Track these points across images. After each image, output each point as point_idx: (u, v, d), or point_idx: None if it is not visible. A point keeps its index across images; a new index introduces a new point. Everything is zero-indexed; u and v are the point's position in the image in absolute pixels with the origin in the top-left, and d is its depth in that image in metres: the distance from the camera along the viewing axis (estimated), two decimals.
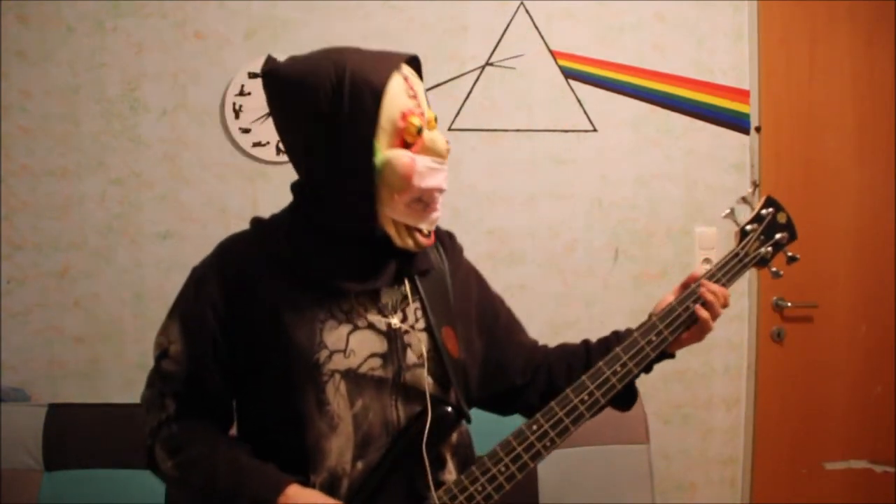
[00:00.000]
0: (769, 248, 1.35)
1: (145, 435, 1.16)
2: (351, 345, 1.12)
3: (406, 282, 1.18)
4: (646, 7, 2.38)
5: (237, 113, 2.24)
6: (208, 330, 1.13)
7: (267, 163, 2.26)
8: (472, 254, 2.31)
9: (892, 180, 2.49)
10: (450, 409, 1.15)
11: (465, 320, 1.26)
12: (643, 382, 2.38)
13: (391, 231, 1.13)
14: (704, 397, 2.46)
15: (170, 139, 2.24)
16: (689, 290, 1.26)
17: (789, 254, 1.38)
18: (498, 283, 2.30)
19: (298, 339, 1.10)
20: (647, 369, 1.27)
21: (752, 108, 2.43)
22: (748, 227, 1.34)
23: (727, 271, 1.32)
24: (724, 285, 1.29)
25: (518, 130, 2.35)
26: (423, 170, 1.10)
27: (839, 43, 2.46)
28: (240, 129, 2.25)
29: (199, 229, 2.23)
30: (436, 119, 1.15)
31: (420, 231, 1.15)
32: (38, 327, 2.22)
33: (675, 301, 1.25)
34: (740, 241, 1.34)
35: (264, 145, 2.25)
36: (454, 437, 1.20)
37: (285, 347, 1.10)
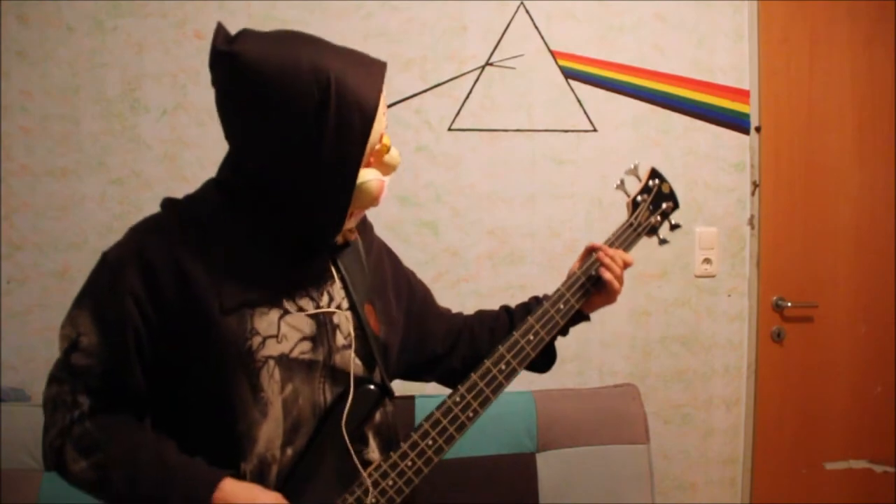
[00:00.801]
0: (658, 217, 1.45)
1: (51, 436, 1.08)
2: (283, 330, 1.10)
3: (329, 262, 1.19)
4: (646, 7, 2.38)
5: None
6: (128, 321, 1.06)
7: None
8: (472, 254, 2.32)
9: (892, 180, 2.49)
10: (372, 386, 1.17)
11: (382, 295, 1.29)
12: (643, 383, 2.39)
13: (345, 234, 1.19)
14: (704, 397, 2.46)
15: (170, 139, 2.24)
16: (591, 259, 1.37)
17: (673, 222, 1.46)
18: (498, 283, 2.33)
19: (228, 326, 1.06)
20: (564, 332, 1.37)
21: (752, 108, 2.43)
22: (639, 198, 1.44)
23: (623, 239, 1.42)
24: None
25: (518, 130, 2.35)
26: (385, 189, 1.16)
27: (839, 43, 2.46)
28: None
29: None
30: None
31: (351, 229, 1.21)
32: (38, 327, 2.22)
33: (579, 270, 1.36)
34: (632, 211, 1.44)
35: None
36: (377, 416, 1.20)
37: (215, 336, 1.06)
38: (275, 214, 1.11)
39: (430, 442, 1.19)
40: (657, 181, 1.45)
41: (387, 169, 1.16)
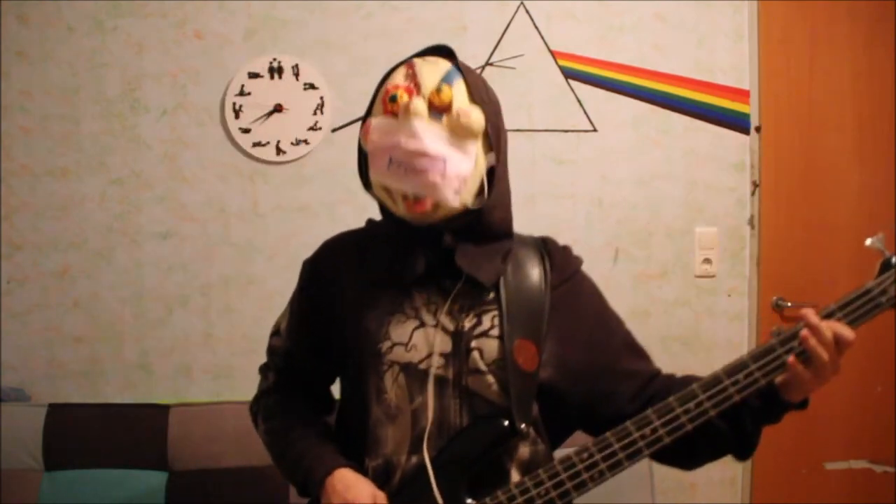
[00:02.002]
0: None
1: (253, 400, 1.34)
2: (414, 340, 1.16)
3: (492, 289, 1.19)
4: (646, 7, 2.38)
5: (237, 113, 2.24)
6: (304, 313, 1.27)
7: (267, 163, 2.26)
8: None
9: (892, 180, 2.49)
10: (506, 422, 1.12)
11: (566, 339, 1.21)
12: None
13: (383, 197, 1.18)
14: None
15: (170, 139, 2.24)
16: (794, 328, 1.07)
17: None
18: None
19: (367, 328, 1.17)
20: (772, 418, 1.13)
21: (752, 108, 2.43)
22: (895, 260, 1.12)
23: (851, 311, 1.09)
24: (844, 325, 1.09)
25: (518, 130, 2.35)
26: (377, 128, 1.15)
27: (839, 43, 2.46)
28: (240, 129, 2.25)
29: (199, 229, 2.23)
30: (439, 90, 1.13)
31: (406, 197, 1.14)
32: (38, 327, 2.22)
33: (775, 339, 1.08)
34: (878, 274, 1.12)
35: (264, 145, 2.25)
36: (525, 452, 1.18)
37: (357, 334, 1.18)
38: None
39: (542, 492, 1.11)
40: None
41: (403, 114, 1.13)
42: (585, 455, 1.11)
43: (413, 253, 1.18)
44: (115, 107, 2.22)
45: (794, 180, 2.46)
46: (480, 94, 1.18)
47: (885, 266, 1.11)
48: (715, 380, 1.09)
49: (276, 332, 1.33)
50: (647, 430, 1.09)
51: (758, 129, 2.44)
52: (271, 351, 1.34)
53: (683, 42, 2.39)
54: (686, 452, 1.18)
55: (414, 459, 1.13)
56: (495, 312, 1.18)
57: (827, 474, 2.49)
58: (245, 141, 2.25)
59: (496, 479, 1.15)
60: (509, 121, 2.35)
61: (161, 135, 2.24)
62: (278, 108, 2.24)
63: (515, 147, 2.34)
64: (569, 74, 2.36)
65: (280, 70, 2.25)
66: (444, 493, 1.11)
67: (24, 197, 2.20)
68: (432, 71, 1.16)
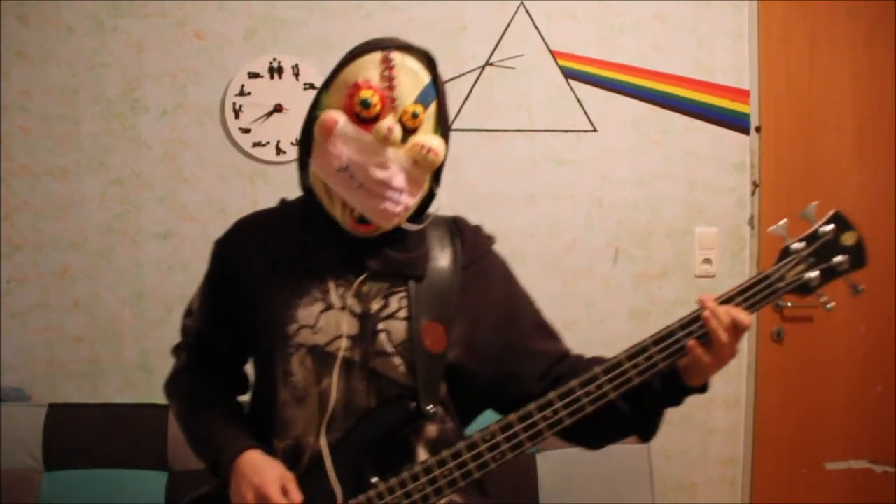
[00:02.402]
0: (815, 274, 1.13)
1: (166, 379, 1.32)
2: (320, 322, 1.14)
3: (391, 272, 1.18)
4: (646, 7, 2.38)
5: (237, 113, 2.24)
6: (215, 293, 1.26)
7: (267, 163, 2.26)
8: None
9: (892, 180, 2.49)
10: (412, 404, 1.13)
11: (475, 320, 1.21)
12: None
13: (319, 191, 1.15)
14: (704, 397, 2.42)
15: (170, 139, 2.24)
16: (693, 313, 1.10)
17: (854, 285, 1.16)
18: None
19: (275, 310, 1.16)
20: (673, 400, 1.18)
21: (752, 108, 2.43)
22: (794, 246, 1.14)
23: (750, 296, 1.11)
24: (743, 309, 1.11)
25: (518, 130, 2.35)
26: (343, 135, 1.09)
27: (839, 43, 2.46)
28: (240, 129, 2.25)
29: (198, 229, 2.23)
30: (414, 115, 1.10)
31: (352, 211, 1.13)
32: (38, 327, 2.22)
33: (677, 323, 1.11)
34: (777, 261, 1.13)
35: (264, 145, 2.25)
36: (433, 431, 1.18)
37: (264, 317, 1.17)
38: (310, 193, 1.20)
39: (446, 472, 1.11)
40: (834, 227, 1.14)
41: (376, 136, 1.08)
42: (489, 436, 1.12)
43: (327, 239, 1.17)
44: (115, 107, 2.22)
45: (794, 180, 2.46)
46: (446, 119, 1.16)
47: (785, 253, 1.13)
48: (616, 363, 1.11)
49: (188, 313, 1.30)
50: (548, 412, 1.11)
51: (758, 129, 2.44)
52: (184, 331, 1.31)
53: (683, 42, 2.39)
54: (589, 432, 1.20)
55: (322, 441, 1.13)
56: (403, 294, 1.17)
57: (827, 474, 2.49)
58: (245, 141, 2.25)
59: (404, 458, 1.15)
60: (509, 121, 2.37)
61: (161, 135, 2.24)
62: (278, 108, 2.24)
63: (515, 147, 2.36)
64: (569, 74, 2.36)
65: (280, 70, 2.25)
66: (349, 474, 1.12)
67: (24, 197, 2.20)
68: (411, 82, 1.10)
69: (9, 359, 2.20)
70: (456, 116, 2.32)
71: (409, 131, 1.10)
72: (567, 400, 1.10)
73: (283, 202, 1.29)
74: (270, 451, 1.16)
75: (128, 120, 2.22)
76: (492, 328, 1.23)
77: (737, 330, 1.10)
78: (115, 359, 2.24)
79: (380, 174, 1.09)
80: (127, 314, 2.24)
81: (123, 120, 2.22)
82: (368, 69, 1.10)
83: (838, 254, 1.14)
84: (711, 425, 2.46)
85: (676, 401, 1.20)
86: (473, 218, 2.31)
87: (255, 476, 1.10)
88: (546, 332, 1.29)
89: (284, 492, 1.09)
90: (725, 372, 2.56)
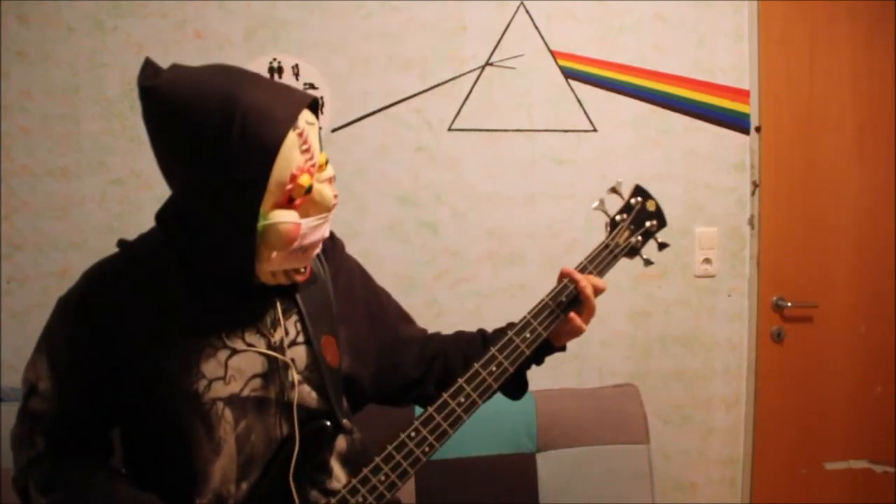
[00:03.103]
0: (638, 238, 1.38)
1: (14, 474, 1.13)
2: (230, 370, 1.10)
3: (278, 297, 1.16)
4: (646, 7, 2.38)
5: None
6: (77, 364, 1.09)
7: None
8: (472, 254, 2.32)
9: (892, 180, 2.49)
10: (328, 423, 1.15)
11: (351, 323, 1.26)
12: (643, 383, 2.38)
13: (267, 279, 1.10)
14: (704, 397, 2.46)
15: None
16: (561, 286, 1.28)
17: (660, 241, 1.40)
18: (498, 283, 2.33)
19: (173, 370, 1.07)
20: (538, 360, 1.31)
21: (752, 108, 2.43)
22: (618, 218, 1.38)
23: (598, 262, 1.34)
24: (596, 276, 1.31)
25: (518, 130, 2.35)
26: (307, 231, 1.06)
27: (839, 43, 2.46)
28: None
29: None
30: (327, 162, 1.09)
31: (297, 271, 1.13)
32: (38, 327, 2.19)
33: (548, 297, 1.27)
34: (610, 231, 1.37)
35: None
36: (342, 444, 1.20)
37: (162, 379, 1.07)
38: (197, 250, 1.08)
39: (383, 477, 1.13)
40: (640, 199, 1.40)
41: (318, 209, 1.07)
42: (413, 434, 1.16)
43: (208, 281, 1.10)
44: (115, 107, 2.22)
45: (794, 180, 2.46)
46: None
47: (613, 224, 1.38)
48: (508, 341, 1.23)
49: (32, 392, 1.12)
50: (461, 398, 1.19)
51: (758, 129, 2.44)
52: (33, 415, 1.11)
53: (683, 42, 2.39)
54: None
55: (244, 486, 1.11)
56: (295, 318, 1.16)
57: (827, 474, 2.49)
58: None
59: (321, 474, 1.17)
60: (509, 121, 2.37)
61: None
62: None
63: (515, 147, 2.36)
64: (569, 74, 2.36)
65: (280, 70, 2.25)
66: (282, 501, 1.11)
67: (24, 197, 2.20)
68: (316, 139, 1.07)
69: (9, 359, 2.20)
70: (456, 116, 2.32)
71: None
72: (474, 383, 1.20)
73: (125, 244, 1.17)
74: None
75: (128, 120, 2.22)
76: (366, 327, 1.29)
77: (597, 293, 1.29)
78: None
79: (322, 234, 1.11)
80: None
81: (123, 120, 2.22)
82: (293, 156, 1.02)
83: (648, 219, 1.40)
84: (711, 425, 2.46)
85: (539, 361, 1.32)
86: (473, 218, 2.33)
87: None
88: (408, 318, 1.39)
89: None
90: (725, 372, 2.58)
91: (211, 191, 1.01)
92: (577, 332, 1.29)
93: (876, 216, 2.49)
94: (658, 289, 2.42)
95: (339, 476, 1.19)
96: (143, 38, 2.22)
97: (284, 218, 1.03)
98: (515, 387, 1.34)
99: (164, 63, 2.31)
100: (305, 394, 1.15)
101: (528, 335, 1.24)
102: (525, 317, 1.26)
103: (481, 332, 1.39)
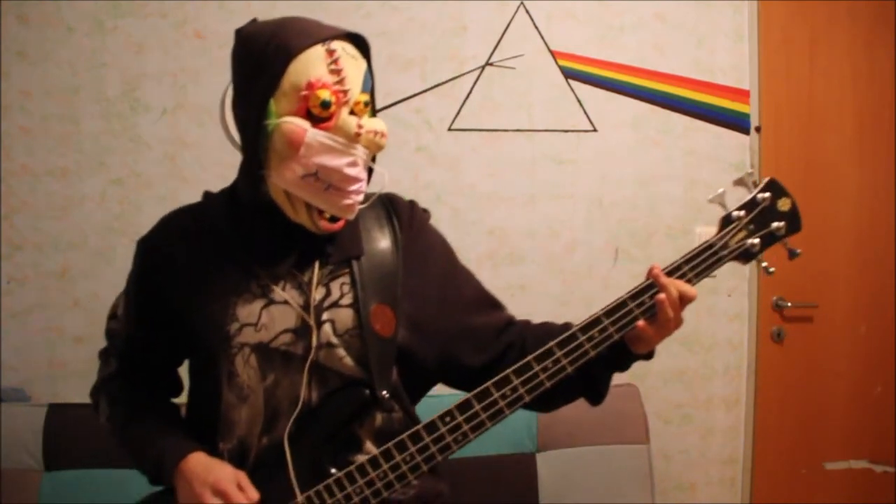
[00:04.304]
0: (756, 240, 1.15)
1: (93, 387, 1.27)
2: (263, 319, 1.11)
3: (331, 259, 1.14)
4: (646, 7, 2.38)
5: None
6: (137, 297, 1.21)
7: None
8: (472, 254, 2.32)
9: (892, 180, 2.49)
10: (365, 392, 1.11)
11: (418, 298, 1.19)
12: (643, 383, 2.38)
13: (281, 201, 1.10)
14: (704, 397, 2.46)
15: (170, 139, 2.24)
16: (647, 283, 1.12)
17: (789, 247, 1.17)
18: (498, 283, 2.31)
19: (212, 311, 1.12)
20: (621, 366, 1.17)
21: (752, 108, 2.43)
22: (735, 214, 1.16)
23: (696, 265, 1.13)
24: (689, 280, 1.13)
25: (518, 130, 2.35)
26: (316, 144, 1.05)
27: (839, 43, 2.46)
28: None
29: None
30: (367, 104, 1.09)
31: (322, 214, 1.10)
32: (38, 327, 2.22)
33: (628, 295, 1.12)
34: (720, 229, 1.15)
35: None
36: (378, 420, 1.15)
37: (202, 319, 1.12)
38: (238, 185, 1.14)
39: (408, 458, 1.09)
40: (770, 195, 1.17)
41: (341, 134, 1.06)
42: (448, 419, 1.10)
43: (259, 231, 1.13)
44: (115, 107, 2.22)
45: (794, 180, 2.41)
46: (374, 99, 1.16)
47: (726, 221, 1.15)
48: (571, 336, 1.11)
49: (113, 315, 1.26)
50: (507, 391, 1.10)
51: (758, 129, 2.44)
52: (110, 335, 1.27)
53: (683, 42, 2.39)
54: (543, 400, 1.18)
55: (265, 440, 1.12)
56: (345, 280, 1.14)
57: (827, 474, 2.49)
58: None
59: (351, 449, 1.13)
60: (509, 121, 2.37)
61: (161, 135, 2.24)
62: None
63: (515, 147, 2.36)
64: (569, 74, 2.36)
65: None
66: (303, 467, 1.10)
67: (24, 197, 2.20)
68: (356, 73, 1.08)
69: (9, 359, 2.20)
70: (456, 116, 2.32)
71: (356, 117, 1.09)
72: (525, 376, 1.10)
73: (207, 195, 1.23)
74: (215, 453, 1.13)
75: (128, 120, 2.22)
76: (435, 306, 1.21)
77: (682, 303, 1.11)
78: None
79: (352, 172, 1.07)
80: None
81: (123, 120, 2.22)
82: (315, 66, 1.05)
83: (776, 219, 1.16)
84: (711, 425, 2.46)
85: (623, 367, 1.19)
86: (473, 218, 2.33)
87: (209, 475, 1.08)
88: (488, 302, 1.28)
89: (240, 489, 1.07)
90: (725, 372, 2.58)
91: (240, 97, 1.11)
92: (648, 340, 1.13)
93: (876, 216, 2.49)
94: None
95: (369, 451, 1.14)
96: (143, 38, 2.22)
97: (293, 121, 1.05)
98: (589, 389, 1.20)
99: (163, 63, 2.31)
100: (337, 358, 1.12)
101: (595, 334, 1.11)
102: (598, 313, 1.12)
103: (567, 325, 1.22)
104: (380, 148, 1.12)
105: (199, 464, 1.10)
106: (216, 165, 2.26)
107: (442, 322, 1.20)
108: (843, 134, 2.47)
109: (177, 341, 1.19)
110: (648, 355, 1.18)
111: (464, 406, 1.10)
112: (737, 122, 2.43)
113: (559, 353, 1.11)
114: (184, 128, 2.24)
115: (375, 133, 1.09)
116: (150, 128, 2.23)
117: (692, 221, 2.42)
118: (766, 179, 1.18)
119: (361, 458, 1.12)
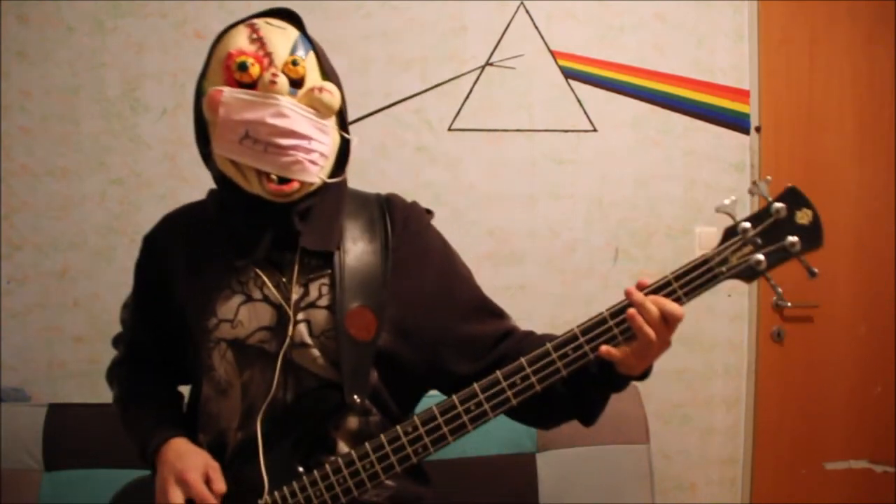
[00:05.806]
0: (761, 257, 1.02)
1: (109, 366, 1.36)
2: (240, 316, 1.13)
3: (310, 257, 1.14)
4: (646, 7, 2.38)
5: None
6: (139, 289, 1.28)
7: None
8: (472, 254, 2.31)
9: (892, 180, 2.49)
10: (336, 395, 1.10)
11: (406, 302, 1.16)
12: (643, 383, 2.37)
13: (232, 173, 1.12)
14: (704, 397, 2.46)
15: (170, 139, 2.24)
16: (625, 304, 1.02)
17: (806, 265, 1.07)
18: (498, 283, 2.33)
19: (195, 305, 1.16)
20: (616, 386, 1.10)
21: (752, 108, 2.43)
22: (742, 226, 1.02)
23: (688, 282, 1.01)
24: (679, 299, 1.02)
25: (518, 130, 2.35)
26: (233, 101, 1.07)
27: (839, 43, 2.46)
28: None
29: None
30: (294, 63, 1.08)
31: (268, 176, 1.08)
32: (38, 327, 2.22)
33: (607, 311, 1.03)
34: (721, 242, 1.02)
35: None
36: (354, 424, 1.13)
37: (189, 312, 1.17)
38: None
39: (367, 465, 1.08)
40: (787, 205, 1.03)
41: (262, 89, 1.06)
42: (410, 429, 1.07)
43: (249, 229, 1.14)
44: (115, 107, 2.22)
45: (793, 180, 2.42)
46: (329, 67, 1.16)
47: (730, 233, 1.02)
48: (542, 353, 1.04)
49: (126, 305, 1.33)
50: (471, 405, 1.05)
51: (758, 129, 2.44)
52: (122, 323, 1.34)
53: (683, 42, 2.39)
54: (533, 417, 1.17)
55: (241, 434, 1.13)
56: (324, 281, 1.13)
57: (827, 474, 2.49)
58: None
59: (324, 451, 1.12)
60: (509, 121, 2.37)
61: (161, 135, 2.24)
62: None
63: (515, 147, 2.36)
64: (569, 74, 2.36)
65: None
66: (275, 465, 1.10)
67: (24, 197, 2.20)
68: (281, 38, 1.10)
69: (9, 359, 2.20)
70: (456, 116, 2.32)
71: (296, 84, 1.08)
72: (490, 392, 1.05)
73: (209, 192, 1.26)
74: (197, 443, 1.16)
75: (128, 120, 2.22)
76: (426, 311, 1.17)
77: (667, 323, 1.01)
78: None
79: (280, 122, 1.06)
80: None
81: (123, 120, 2.22)
82: (236, 39, 1.11)
83: (790, 233, 1.02)
84: (711, 425, 2.46)
85: (618, 387, 1.12)
86: (473, 218, 2.33)
87: (178, 462, 1.10)
88: (486, 310, 1.22)
89: (208, 480, 1.08)
90: (725, 372, 2.58)
91: (195, 96, 1.20)
92: (630, 365, 1.04)
93: (876, 216, 2.49)
94: None
95: (343, 453, 1.13)
96: (143, 38, 2.22)
97: (212, 89, 1.11)
98: (580, 409, 1.15)
99: (163, 63, 2.32)
100: (311, 359, 1.11)
101: (569, 352, 1.03)
102: (573, 329, 1.03)
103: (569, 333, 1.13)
104: (327, 106, 1.10)
105: (174, 451, 1.12)
106: None
107: (431, 327, 1.17)
108: (843, 134, 2.47)
109: (171, 335, 1.23)
110: (643, 375, 1.10)
111: (427, 419, 1.07)
112: (737, 122, 2.43)
113: (529, 370, 1.04)
114: (184, 128, 2.24)
115: (314, 89, 1.09)
116: (150, 128, 2.23)
117: (692, 221, 2.42)
118: (786, 188, 1.04)
119: (331, 459, 1.11)
